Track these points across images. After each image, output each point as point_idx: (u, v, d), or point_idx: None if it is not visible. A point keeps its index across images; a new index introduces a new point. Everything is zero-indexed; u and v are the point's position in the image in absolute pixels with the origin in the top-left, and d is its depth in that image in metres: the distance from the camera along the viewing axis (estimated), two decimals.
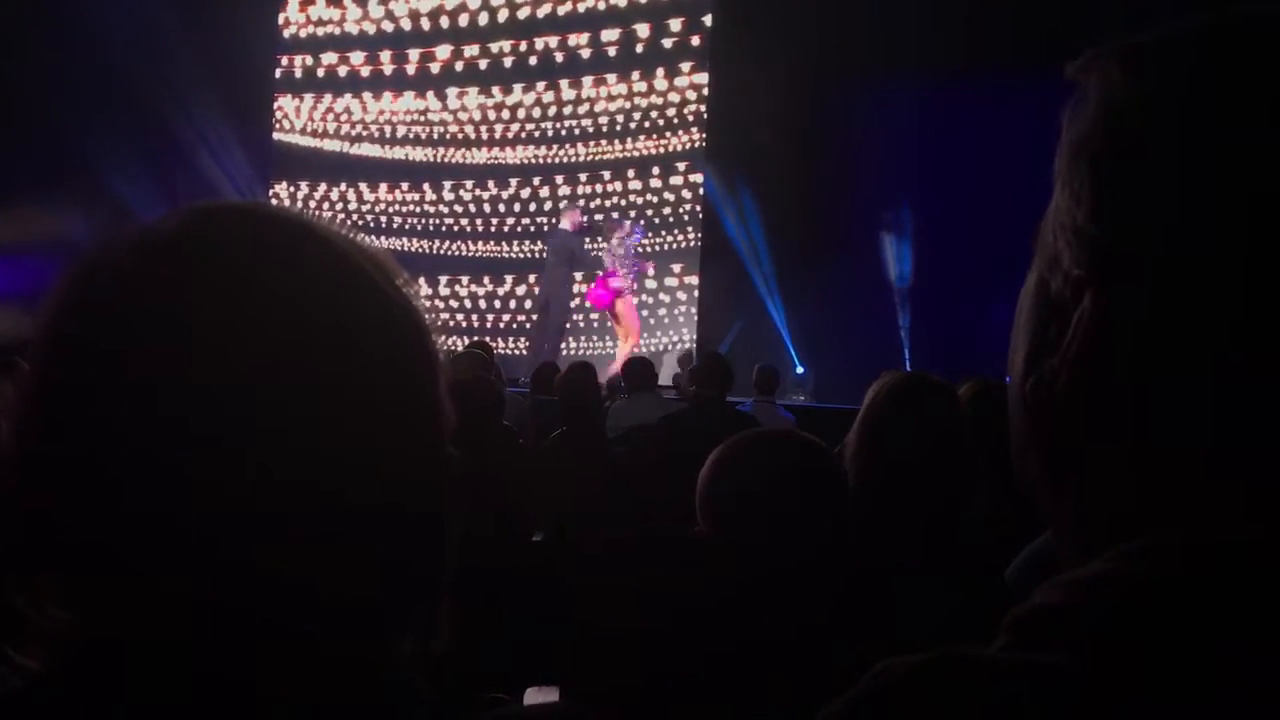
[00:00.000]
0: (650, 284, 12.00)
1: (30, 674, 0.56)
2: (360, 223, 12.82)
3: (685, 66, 11.94)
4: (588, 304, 11.31)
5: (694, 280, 11.90)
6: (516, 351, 11.83)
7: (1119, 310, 0.49)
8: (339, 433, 0.57)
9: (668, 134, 12.06)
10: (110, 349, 0.56)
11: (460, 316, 12.57)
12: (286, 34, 13.42)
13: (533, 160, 12.58)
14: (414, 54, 12.89)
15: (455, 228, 12.81)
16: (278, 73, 13.43)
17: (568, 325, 11.21)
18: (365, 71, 13.10)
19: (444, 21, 12.78)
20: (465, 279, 12.72)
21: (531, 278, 12.46)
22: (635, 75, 12.11)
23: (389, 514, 0.59)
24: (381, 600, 0.60)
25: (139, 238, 0.60)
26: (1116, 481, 0.50)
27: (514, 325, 12.50)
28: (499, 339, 11.03)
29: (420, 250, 12.64)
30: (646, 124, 12.12)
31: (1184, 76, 0.50)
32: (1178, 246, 0.47)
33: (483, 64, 12.66)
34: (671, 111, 12.02)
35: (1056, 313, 0.53)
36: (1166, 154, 0.49)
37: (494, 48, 12.61)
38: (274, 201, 12.72)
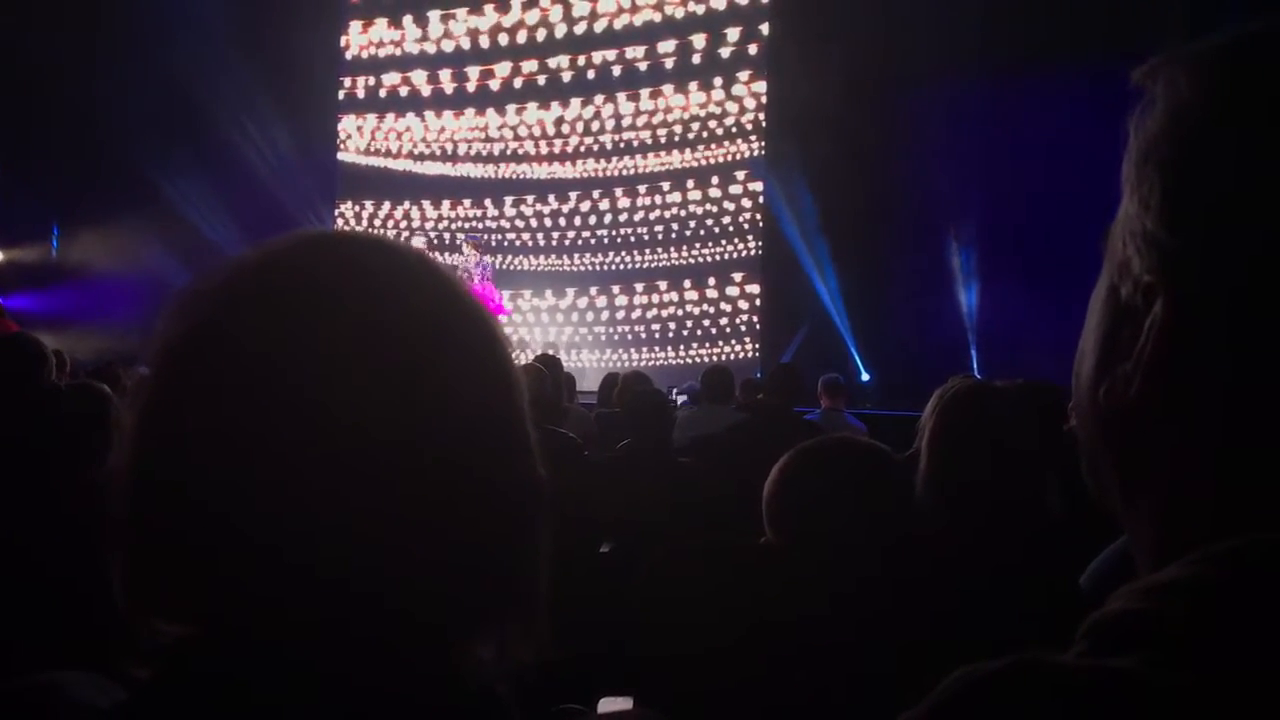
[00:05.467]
0: (711, 294, 12.01)
1: (137, 685, 0.58)
2: (425, 241, 13.00)
3: (743, 75, 11.94)
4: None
5: (755, 289, 11.87)
6: (579, 364, 11.89)
7: (1192, 315, 0.49)
8: (442, 455, 0.59)
9: (726, 143, 12.07)
10: (238, 365, 0.58)
11: (524, 330, 12.66)
12: (348, 55, 13.67)
13: (592, 173, 12.65)
14: (474, 72, 13.05)
15: (517, 242, 12.93)
16: (340, 94, 13.68)
17: None
18: (426, 90, 13.29)
19: (503, 39, 12.93)
20: (528, 293, 12.83)
21: (593, 290, 12.53)
22: (693, 86, 12.14)
23: (489, 531, 0.60)
24: (477, 612, 0.61)
25: (254, 262, 0.63)
26: (1194, 485, 0.50)
27: (575, 338, 12.57)
28: (562, 351, 11.09)
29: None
30: (705, 134, 12.14)
31: (1251, 80, 0.50)
32: (1249, 250, 0.47)
33: (541, 80, 12.78)
34: (730, 121, 12.02)
35: (1128, 319, 0.53)
36: (1235, 158, 0.48)
37: (552, 63, 12.72)
38: (345, 224, 12.97)
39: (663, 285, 12.28)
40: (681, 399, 7.47)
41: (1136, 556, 0.55)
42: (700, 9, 12.11)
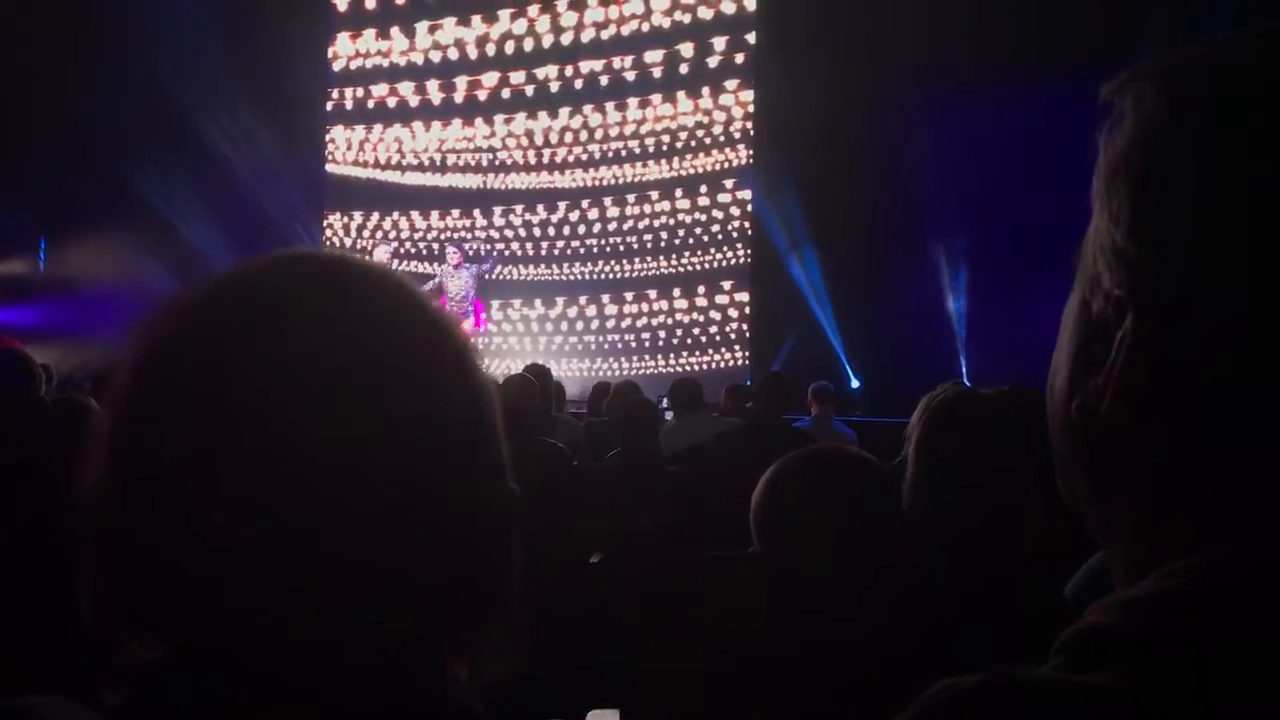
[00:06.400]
0: (700, 302, 12.03)
1: (109, 708, 0.58)
2: (413, 250, 13.00)
3: (730, 84, 11.96)
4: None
5: (744, 297, 11.88)
6: (570, 373, 11.87)
7: (1162, 329, 0.49)
8: (416, 471, 0.59)
9: (714, 152, 12.08)
10: (211, 381, 0.58)
11: (514, 340, 12.66)
12: (336, 67, 13.66)
13: (581, 183, 12.66)
14: (461, 82, 13.05)
15: (506, 252, 12.92)
16: (329, 105, 13.66)
17: None
18: (414, 101, 13.28)
19: (490, 49, 12.93)
20: (517, 302, 12.82)
21: (583, 299, 12.53)
22: (681, 95, 12.16)
23: (459, 547, 0.61)
24: (450, 628, 0.61)
25: (228, 280, 0.63)
26: (1167, 500, 0.50)
27: (566, 347, 12.56)
28: (552, 361, 11.07)
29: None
30: (693, 143, 12.15)
31: (1218, 94, 0.50)
32: (1217, 264, 0.47)
33: (529, 90, 12.79)
34: (718, 129, 12.04)
35: (1099, 333, 0.53)
36: (1202, 173, 0.49)
37: (540, 73, 12.73)
38: (335, 243, 12.99)
39: (652, 294, 12.28)
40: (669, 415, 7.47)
41: (1111, 569, 0.55)
42: (686, 19, 12.13)
